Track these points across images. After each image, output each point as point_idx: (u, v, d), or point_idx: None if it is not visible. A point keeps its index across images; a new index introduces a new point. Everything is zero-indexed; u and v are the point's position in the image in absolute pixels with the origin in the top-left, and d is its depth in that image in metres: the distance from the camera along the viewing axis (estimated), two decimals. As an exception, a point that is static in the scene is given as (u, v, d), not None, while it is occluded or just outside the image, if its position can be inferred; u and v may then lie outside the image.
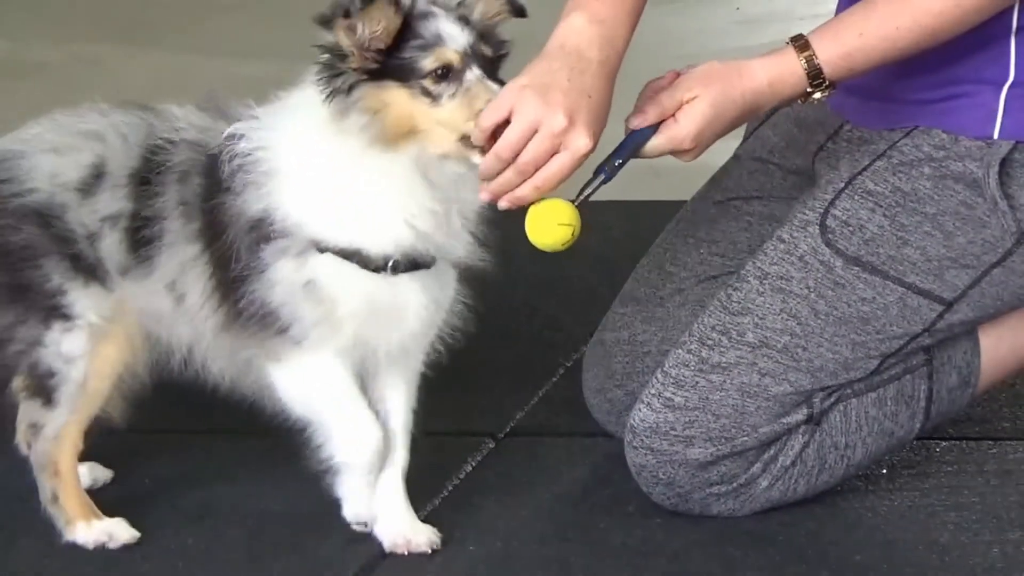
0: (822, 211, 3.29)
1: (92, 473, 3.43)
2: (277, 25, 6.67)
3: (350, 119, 3.01)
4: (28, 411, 3.22)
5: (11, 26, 6.78)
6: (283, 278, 3.07)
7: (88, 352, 3.19)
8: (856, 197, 3.29)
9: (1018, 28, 3.28)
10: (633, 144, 3.10)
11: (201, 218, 3.12)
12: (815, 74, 3.15)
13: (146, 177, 3.14)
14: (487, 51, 3.00)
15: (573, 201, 3.05)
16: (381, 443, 3.15)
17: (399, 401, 3.19)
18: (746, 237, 3.51)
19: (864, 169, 3.32)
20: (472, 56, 2.98)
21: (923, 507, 3.35)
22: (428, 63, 2.96)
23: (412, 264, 3.03)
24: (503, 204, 3.02)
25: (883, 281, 3.27)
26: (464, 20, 3.00)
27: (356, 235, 3.03)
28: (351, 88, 3.00)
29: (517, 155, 2.99)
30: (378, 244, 3.04)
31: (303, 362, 3.12)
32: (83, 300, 3.18)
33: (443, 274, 3.08)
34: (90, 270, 3.18)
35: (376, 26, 2.96)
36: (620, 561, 3.19)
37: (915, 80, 3.31)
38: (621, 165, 3.10)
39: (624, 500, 3.34)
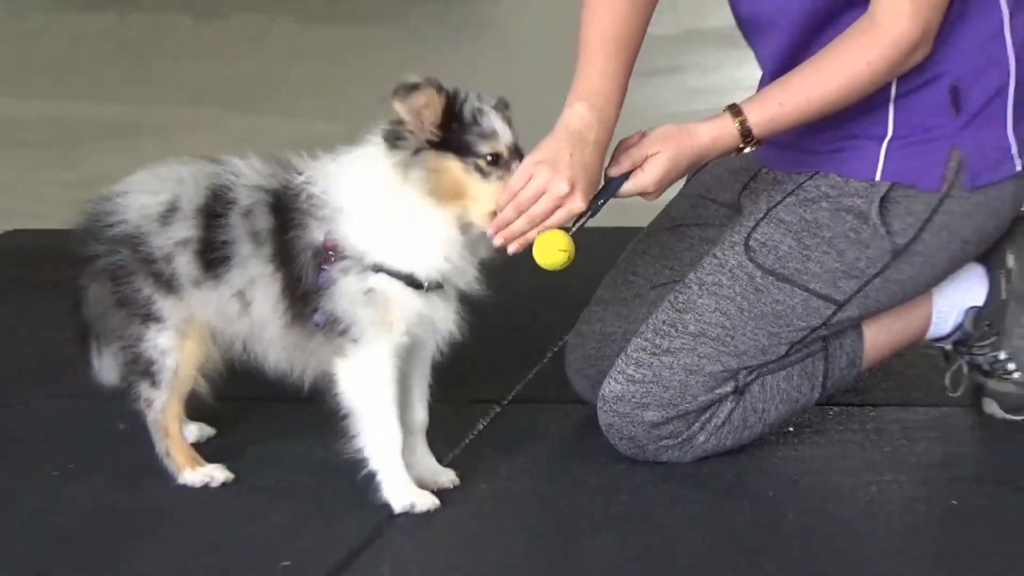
0: (746, 235, 3.37)
1: (200, 431, 3.52)
2: (339, 94, 6.69)
3: (413, 173, 3.04)
4: (143, 390, 3.31)
5: (137, 95, 6.77)
6: (347, 290, 3.08)
7: (177, 346, 3.27)
8: (772, 224, 3.37)
9: (896, 96, 3.32)
10: (612, 188, 3.18)
11: (272, 245, 3.15)
12: (747, 134, 3.21)
13: (212, 212, 3.18)
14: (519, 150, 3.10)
15: (568, 231, 3.13)
16: (401, 445, 3.15)
17: (419, 380, 3.23)
18: (689, 254, 3.56)
19: (778, 203, 3.39)
20: (514, 151, 3.09)
21: (819, 456, 3.40)
22: (485, 148, 3.06)
23: (438, 285, 3.11)
24: (512, 248, 3.11)
25: (791, 287, 3.34)
26: (508, 121, 3.10)
27: (409, 262, 3.08)
28: (416, 151, 3.04)
29: (527, 209, 3.08)
30: (424, 270, 3.09)
31: (362, 358, 3.11)
32: (167, 306, 3.25)
33: (451, 296, 3.15)
34: (168, 283, 3.23)
35: (423, 102, 3.02)
36: (593, 497, 3.25)
37: (817, 135, 3.36)
38: (603, 204, 3.18)
39: (597, 451, 3.39)
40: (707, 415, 3.36)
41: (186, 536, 3.18)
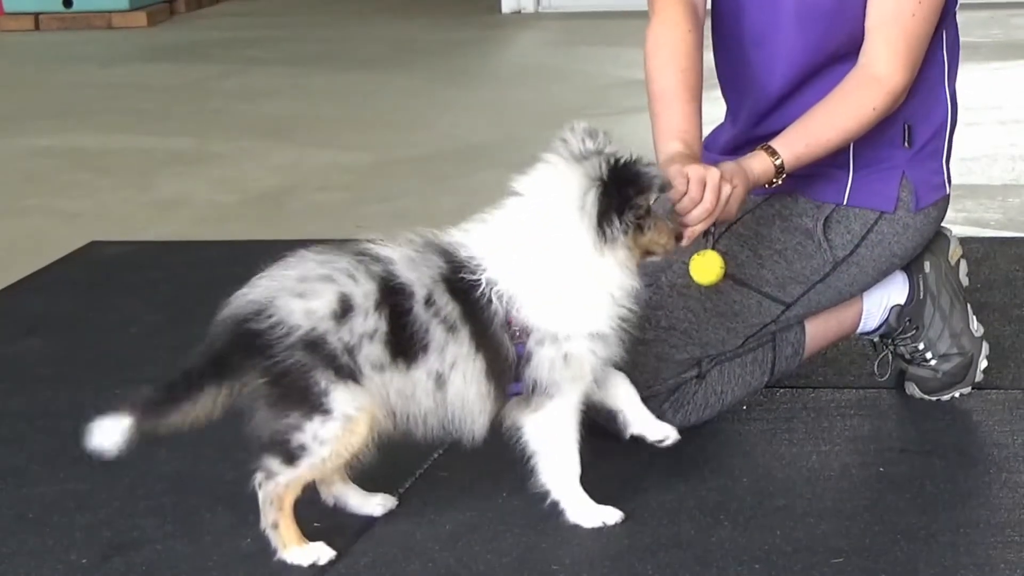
0: (710, 245, 3.26)
1: (384, 502, 3.10)
2: (366, 130, 6.76)
3: (617, 251, 2.86)
4: (268, 462, 2.85)
5: (197, 130, 6.79)
6: (546, 358, 2.88)
7: (337, 437, 2.81)
8: (733, 237, 3.36)
9: None
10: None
11: (467, 329, 2.85)
12: (780, 169, 3.17)
13: (391, 305, 2.81)
14: None
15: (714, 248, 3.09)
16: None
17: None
18: (662, 261, 3.45)
19: (737, 220, 3.35)
20: None
21: (768, 430, 3.41)
22: (643, 203, 2.88)
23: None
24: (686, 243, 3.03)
25: (747, 290, 3.35)
26: None
27: (595, 323, 2.91)
28: (626, 231, 2.85)
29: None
30: (608, 324, 2.91)
31: (555, 408, 2.93)
32: (341, 397, 2.80)
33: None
34: (348, 373, 2.80)
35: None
36: (581, 464, 3.10)
37: None
38: (715, 230, 3.11)
39: (584, 426, 3.19)
40: (675, 395, 3.35)
41: (236, 498, 3.12)
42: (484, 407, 2.90)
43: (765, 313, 3.36)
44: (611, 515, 3.01)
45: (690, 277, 3.11)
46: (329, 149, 6.30)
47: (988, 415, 3.46)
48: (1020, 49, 7.90)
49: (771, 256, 3.35)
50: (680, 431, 3.28)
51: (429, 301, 2.83)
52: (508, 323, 2.86)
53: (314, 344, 2.79)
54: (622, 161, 2.87)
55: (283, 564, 2.89)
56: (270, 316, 2.79)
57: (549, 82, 7.58)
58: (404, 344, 2.82)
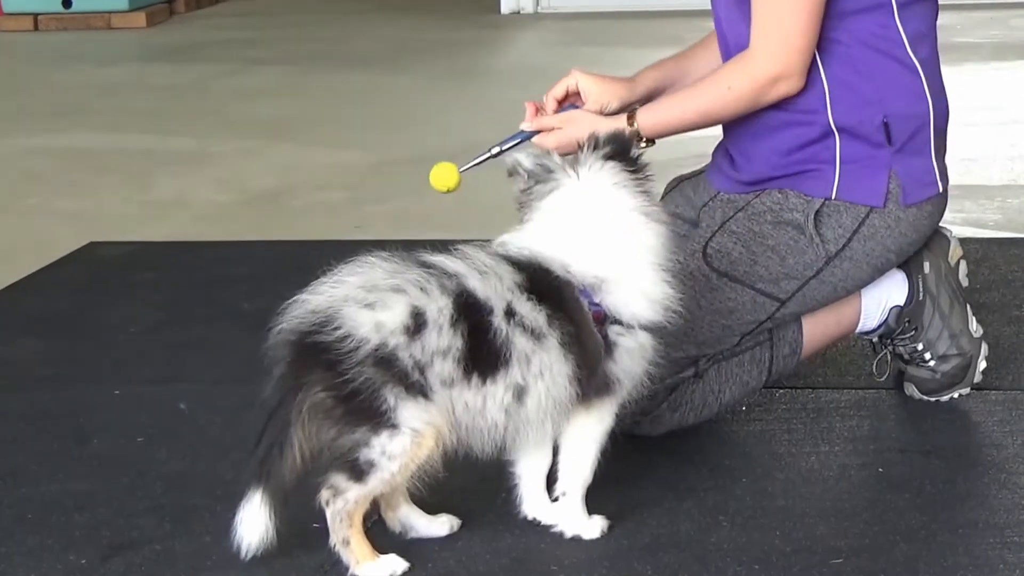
0: (704, 243, 3.37)
1: (451, 523, 2.99)
2: (367, 129, 6.77)
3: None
4: (335, 479, 2.75)
5: (199, 129, 6.81)
6: (627, 348, 2.85)
7: (406, 451, 2.72)
8: (725, 235, 3.36)
9: (839, 128, 3.29)
10: (515, 140, 3.18)
11: (558, 330, 2.76)
12: (636, 134, 3.21)
13: (469, 322, 2.71)
14: None
15: (460, 168, 3.14)
16: None
17: None
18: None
19: (730, 218, 3.38)
20: None
21: (767, 431, 3.41)
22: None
23: None
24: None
25: (742, 287, 3.34)
26: None
27: (654, 314, 2.90)
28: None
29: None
30: (660, 310, 2.91)
31: (606, 409, 2.90)
32: (409, 412, 2.70)
33: None
34: (418, 389, 2.70)
35: None
36: None
37: (780, 160, 3.35)
38: (499, 153, 3.17)
39: None
40: (673, 395, 3.34)
41: (236, 497, 3.04)
42: (558, 417, 2.83)
43: (760, 310, 3.35)
44: (604, 524, 2.98)
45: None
46: (329, 149, 6.30)
47: (987, 416, 3.46)
48: (1020, 49, 7.91)
49: (764, 252, 3.34)
50: (679, 431, 3.35)
51: (509, 311, 2.74)
52: (593, 317, 2.81)
53: (385, 360, 2.68)
54: (601, 139, 2.93)
55: (283, 564, 2.88)
56: (337, 328, 2.67)
57: (548, 82, 7.50)
58: (482, 361, 2.73)
